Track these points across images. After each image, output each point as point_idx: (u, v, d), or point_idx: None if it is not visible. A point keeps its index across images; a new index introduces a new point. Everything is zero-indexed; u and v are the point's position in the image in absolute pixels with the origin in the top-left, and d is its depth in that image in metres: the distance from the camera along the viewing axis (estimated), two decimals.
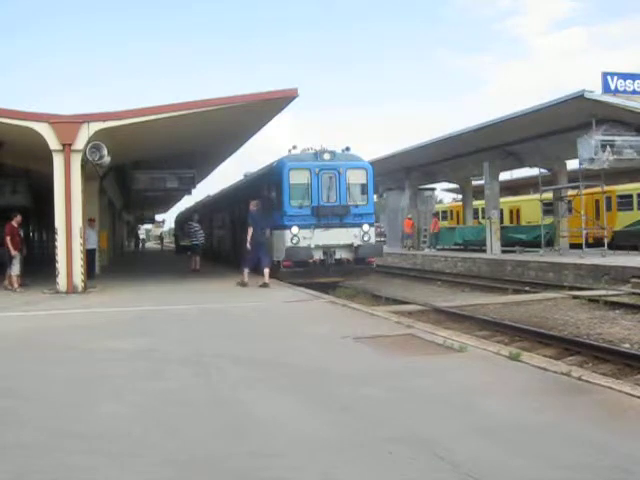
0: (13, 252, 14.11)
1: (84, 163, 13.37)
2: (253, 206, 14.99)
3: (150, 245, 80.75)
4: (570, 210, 23.49)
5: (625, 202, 25.54)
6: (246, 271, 14.42)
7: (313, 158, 16.11)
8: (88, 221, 16.00)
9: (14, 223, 14.35)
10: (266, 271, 14.16)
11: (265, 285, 13.77)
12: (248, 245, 14.39)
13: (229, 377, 5.64)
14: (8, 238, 14.10)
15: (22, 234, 15.62)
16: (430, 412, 4.43)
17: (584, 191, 21.38)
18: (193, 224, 20.78)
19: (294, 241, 15.48)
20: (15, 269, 14.20)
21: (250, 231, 14.48)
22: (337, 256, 15.84)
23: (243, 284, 14.10)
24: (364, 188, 16.40)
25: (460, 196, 38.11)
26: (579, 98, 16.82)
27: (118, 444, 3.87)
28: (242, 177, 23.82)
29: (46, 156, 13.22)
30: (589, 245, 21.80)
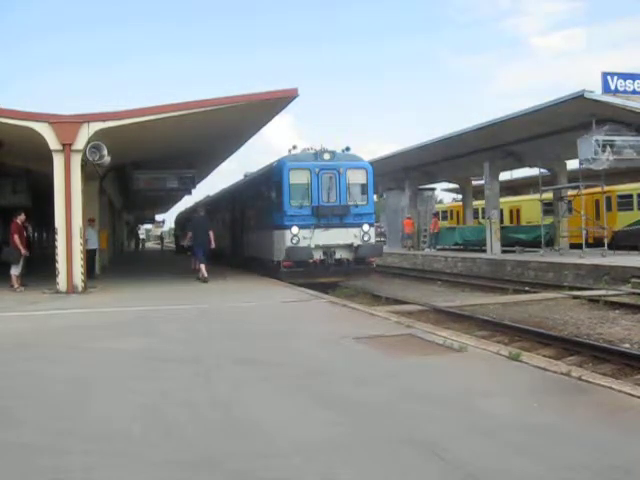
0: (24, 251, 14.17)
1: (84, 163, 13.37)
2: (195, 213, 17.61)
3: (150, 245, 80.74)
4: (570, 210, 23.48)
5: (625, 202, 25.53)
6: (203, 266, 15.94)
7: (313, 158, 16.12)
8: (88, 221, 15.99)
9: (19, 221, 14.39)
10: (202, 266, 15.96)
11: (205, 280, 15.55)
12: (186, 244, 16.97)
13: (229, 377, 5.64)
14: (16, 236, 14.12)
15: (25, 233, 15.62)
16: (430, 412, 4.42)
17: (584, 191, 21.38)
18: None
19: (294, 241, 15.49)
20: (18, 269, 14.21)
21: (189, 235, 17.09)
22: (337, 256, 15.84)
23: (204, 280, 15.57)
24: (364, 188, 16.40)
25: (460, 196, 38.10)
26: (579, 98, 16.82)
27: (118, 444, 3.87)
28: (242, 177, 23.87)
29: (46, 156, 13.22)
30: (589, 245, 21.78)
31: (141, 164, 19.53)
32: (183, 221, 46.92)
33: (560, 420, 4.17)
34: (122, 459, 3.63)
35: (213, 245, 16.46)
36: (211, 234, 16.32)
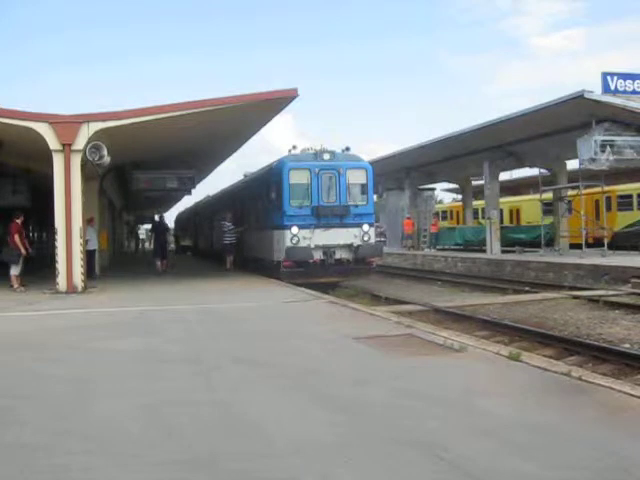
0: (24, 251, 14.19)
1: (84, 163, 13.36)
2: (157, 219, 21.40)
3: (149, 246, 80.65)
4: (570, 210, 23.48)
5: (625, 202, 25.54)
6: (158, 263, 19.31)
7: (313, 158, 16.12)
8: (87, 221, 15.96)
9: (18, 222, 14.41)
10: (164, 262, 19.51)
11: (164, 272, 18.89)
12: (152, 245, 20.99)
13: (229, 377, 5.64)
14: (16, 236, 14.13)
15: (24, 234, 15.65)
16: (430, 412, 4.42)
17: (584, 191, 21.38)
18: (226, 223, 20.14)
19: (294, 241, 15.49)
20: (17, 269, 14.21)
21: (153, 236, 20.98)
22: (337, 256, 15.84)
23: (158, 273, 18.69)
24: (364, 188, 16.41)
25: (460, 196, 38.10)
26: (579, 98, 16.82)
27: (118, 444, 3.86)
28: (242, 177, 23.88)
29: (46, 156, 13.21)
30: (589, 245, 21.80)
31: (141, 164, 19.53)
32: (183, 221, 46.97)
33: (560, 420, 4.17)
34: (122, 459, 3.63)
35: (172, 246, 19.62)
36: (169, 237, 20.66)
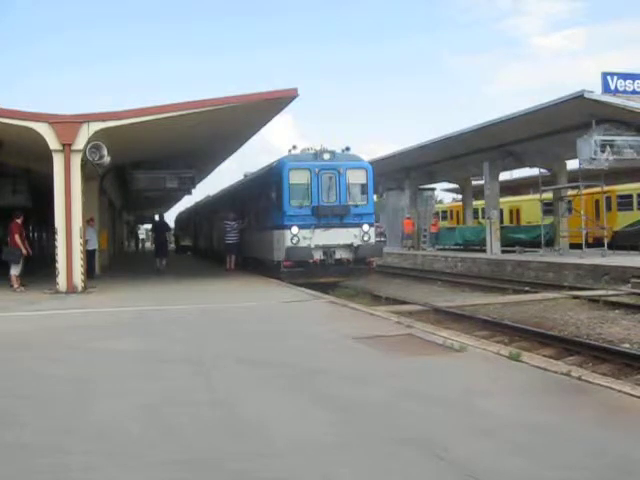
0: (25, 251, 14.20)
1: (84, 163, 13.36)
2: (158, 219, 23.18)
3: (150, 245, 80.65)
4: (570, 210, 23.48)
5: (625, 202, 25.54)
6: (158, 260, 20.31)
7: (313, 158, 16.12)
8: (87, 221, 15.96)
9: (19, 222, 14.43)
10: (163, 261, 20.34)
11: (163, 271, 19.48)
12: (152, 245, 22.80)
13: (229, 377, 5.64)
14: (17, 236, 14.13)
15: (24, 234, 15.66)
16: (430, 412, 4.43)
17: (584, 191, 21.39)
18: (229, 222, 19.90)
19: (294, 241, 15.49)
20: (17, 269, 14.22)
21: (153, 235, 22.67)
22: (337, 256, 15.84)
23: (159, 271, 19.44)
24: (364, 188, 16.41)
25: (460, 196, 38.11)
26: (579, 98, 16.83)
27: (118, 444, 3.86)
28: (242, 177, 23.88)
29: (46, 156, 13.21)
30: (589, 245, 21.80)
31: (141, 164, 19.53)
32: (183, 221, 46.97)
33: (560, 420, 4.17)
34: (122, 459, 3.63)
35: (171, 245, 20.72)
36: (168, 236, 21.55)
